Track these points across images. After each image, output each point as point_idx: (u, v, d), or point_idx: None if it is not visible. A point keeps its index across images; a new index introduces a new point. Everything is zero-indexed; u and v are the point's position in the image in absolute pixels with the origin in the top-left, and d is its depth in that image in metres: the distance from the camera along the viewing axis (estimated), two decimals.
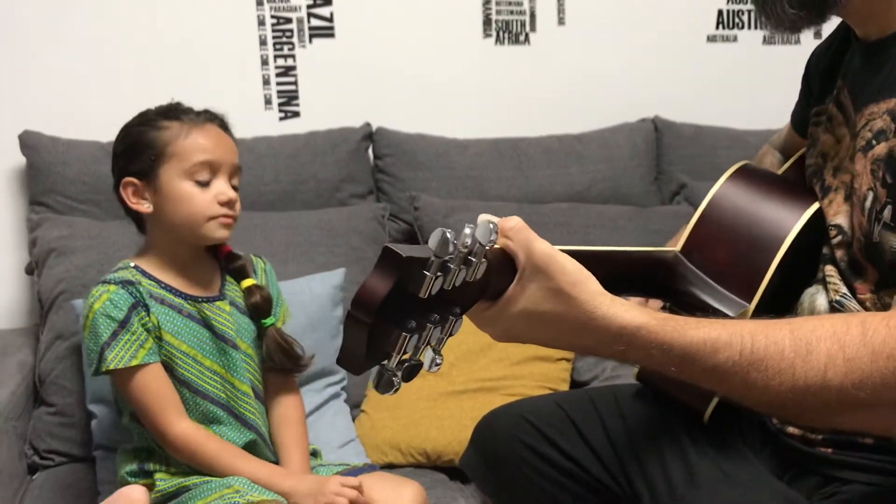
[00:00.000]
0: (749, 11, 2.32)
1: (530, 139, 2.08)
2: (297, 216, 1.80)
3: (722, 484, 0.98)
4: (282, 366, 1.40)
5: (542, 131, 2.12)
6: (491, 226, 0.68)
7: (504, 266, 0.76)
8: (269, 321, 1.41)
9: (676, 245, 1.05)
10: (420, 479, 1.39)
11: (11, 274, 1.85)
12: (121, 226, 1.69)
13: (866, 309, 0.91)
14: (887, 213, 0.86)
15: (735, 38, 2.33)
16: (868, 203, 0.89)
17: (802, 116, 1.17)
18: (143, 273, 1.33)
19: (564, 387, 1.69)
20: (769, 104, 2.31)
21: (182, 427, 1.28)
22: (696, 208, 2.14)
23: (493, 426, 1.17)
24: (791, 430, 0.97)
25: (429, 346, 0.69)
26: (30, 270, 1.73)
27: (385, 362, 0.66)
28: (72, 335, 1.59)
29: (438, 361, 0.69)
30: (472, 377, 1.64)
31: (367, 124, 2.01)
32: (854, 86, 0.99)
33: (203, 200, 1.30)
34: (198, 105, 1.71)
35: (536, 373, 1.66)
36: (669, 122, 2.20)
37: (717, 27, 2.31)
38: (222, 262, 1.41)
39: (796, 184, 1.09)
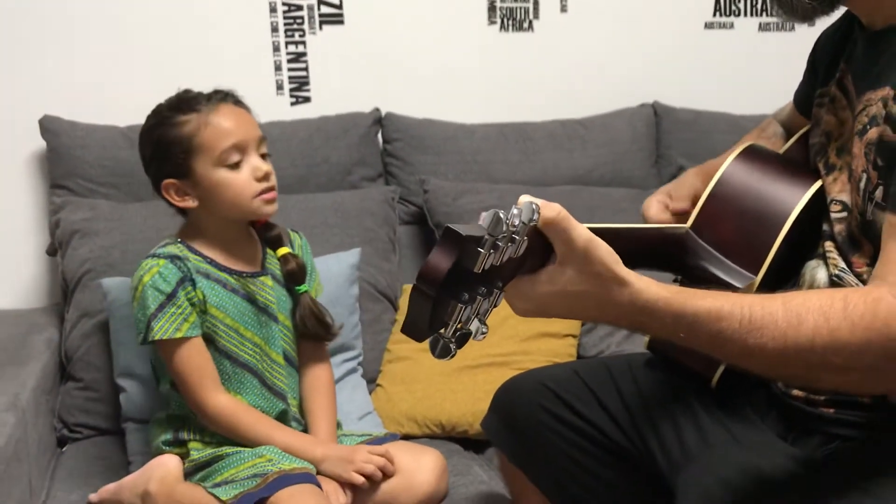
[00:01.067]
0: None
1: (535, 124, 2.14)
2: (312, 199, 1.85)
3: (732, 445, 1.05)
4: (315, 332, 1.47)
5: (545, 116, 2.18)
6: (534, 206, 0.74)
7: (538, 244, 0.82)
8: (303, 288, 1.47)
9: (687, 222, 1.12)
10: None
11: (33, 255, 1.90)
12: (143, 207, 1.76)
13: (863, 281, 0.98)
14: (879, 193, 0.93)
15: (732, 26, 2.40)
16: (863, 184, 0.95)
17: (806, 97, 1.22)
18: (190, 249, 1.39)
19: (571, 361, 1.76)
20: (764, 89, 2.37)
21: (219, 400, 1.35)
22: None
23: (514, 392, 1.24)
24: (795, 392, 1.04)
25: (476, 317, 0.75)
26: (52, 252, 1.78)
27: (442, 331, 0.73)
28: (98, 313, 1.65)
29: (484, 331, 0.76)
30: (484, 353, 1.71)
31: (377, 109, 2.06)
32: (856, 72, 1.05)
33: (241, 181, 1.35)
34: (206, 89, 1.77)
35: (544, 348, 1.73)
36: (668, 108, 2.26)
37: (715, 14, 2.37)
38: (260, 232, 1.47)
39: (799, 163, 1.16)
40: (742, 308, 0.83)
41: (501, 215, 0.70)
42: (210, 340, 1.38)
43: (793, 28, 2.44)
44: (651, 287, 0.83)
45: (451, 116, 2.11)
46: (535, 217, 0.74)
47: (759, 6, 2.41)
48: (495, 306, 0.77)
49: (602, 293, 0.81)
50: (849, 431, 0.98)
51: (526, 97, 2.21)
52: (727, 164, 1.13)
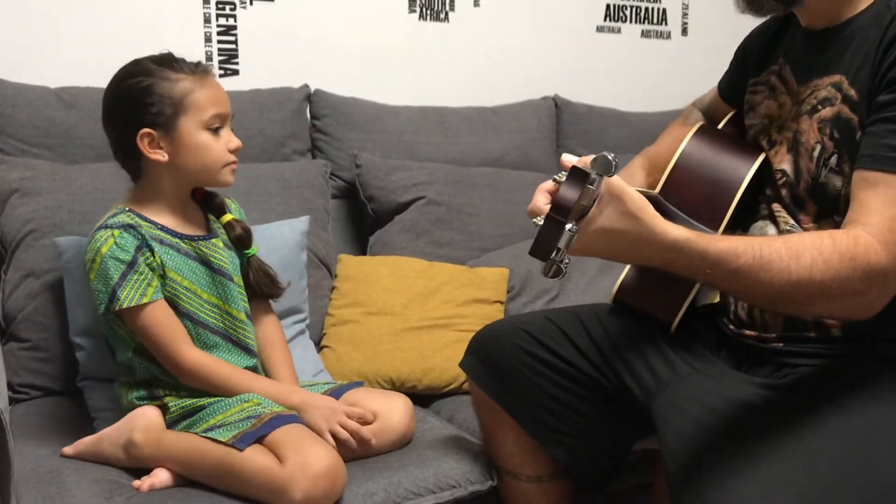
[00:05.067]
0: (631, 7, 2.65)
1: (452, 109, 2.28)
2: (254, 168, 1.89)
3: (696, 375, 1.23)
4: (266, 291, 1.54)
5: (461, 102, 2.32)
6: (615, 162, 0.88)
7: None
8: (252, 251, 1.54)
9: (655, 189, 1.30)
10: None
11: None
12: (84, 169, 1.73)
13: None
14: (833, 160, 1.14)
15: (619, 31, 2.65)
16: (816, 153, 1.16)
17: (735, 88, 1.42)
18: (140, 216, 1.42)
19: None
20: (645, 90, 2.67)
21: (194, 354, 1.39)
22: None
23: (493, 336, 1.37)
24: (748, 332, 1.24)
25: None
26: None
27: (553, 255, 0.87)
28: (45, 273, 1.61)
29: (567, 260, 0.89)
30: (425, 316, 1.82)
31: (306, 86, 2.12)
32: (796, 64, 1.26)
33: (218, 148, 1.42)
34: (136, 55, 1.74)
35: (478, 312, 1.87)
36: (567, 101, 2.47)
37: (605, 19, 2.62)
38: (202, 201, 1.52)
39: (743, 140, 1.37)
40: (753, 247, 1.01)
41: (610, 158, 0.84)
42: (171, 304, 1.41)
43: (669, 37, 2.73)
44: (678, 229, 0.99)
45: (374, 96, 2.22)
46: (614, 170, 0.88)
47: (641, 15, 2.67)
48: (573, 241, 0.91)
49: (635, 231, 0.96)
50: (796, 360, 1.19)
51: (443, 83, 2.35)
52: (686, 140, 1.32)
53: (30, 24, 1.88)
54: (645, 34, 2.70)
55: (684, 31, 2.76)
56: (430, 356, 1.75)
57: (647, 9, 2.68)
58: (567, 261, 0.89)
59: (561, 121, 2.45)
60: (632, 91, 2.63)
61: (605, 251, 0.98)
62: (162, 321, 1.38)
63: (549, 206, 0.86)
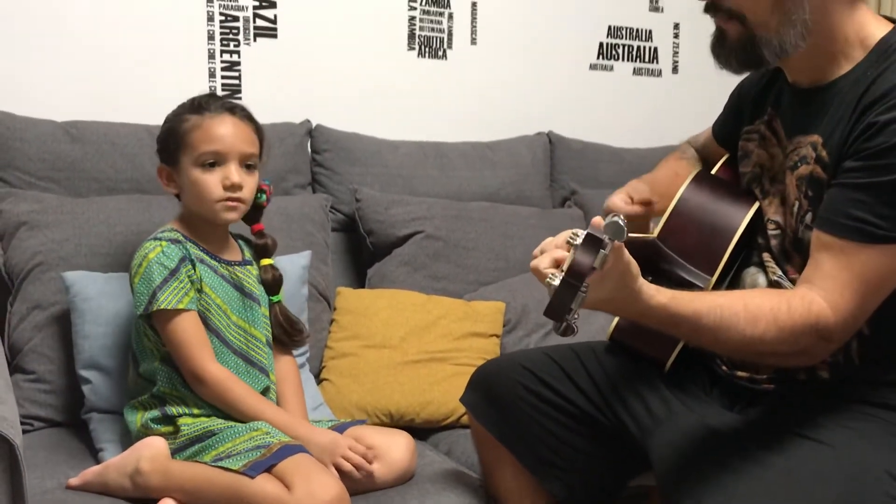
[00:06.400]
0: (623, 45, 2.71)
1: (449, 144, 2.33)
2: None
3: (691, 413, 1.28)
4: (288, 336, 1.62)
5: (458, 137, 2.38)
6: (626, 227, 0.94)
7: None
8: (276, 298, 1.61)
9: (654, 233, 1.35)
10: None
11: None
12: (90, 203, 1.77)
13: (795, 286, 1.24)
14: (808, 217, 1.19)
15: (612, 68, 2.71)
16: (795, 209, 1.22)
17: (729, 132, 1.47)
18: (185, 236, 1.51)
19: None
20: (637, 126, 2.73)
21: (215, 369, 1.45)
22: (585, 212, 2.48)
23: (494, 372, 1.41)
24: (740, 373, 1.29)
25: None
26: None
27: (567, 315, 0.92)
28: (52, 305, 1.64)
29: (577, 317, 0.95)
30: (422, 349, 1.86)
31: (308, 121, 2.17)
32: (785, 118, 1.31)
33: (209, 184, 1.49)
34: (144, 92, 1.89)
35: (475, 346, 1.91)
36: (561, 137, 2.52)
37: (598, 57, 2.68)
38: (252, 236, 1.62)
39: (738, 187, 1.41)
40: (714, 310, 1.10)
41: (620, 221, 0.89)
42: (202, 318, 1.48)
43: (660, 74, 2.80)
44: (660, 293, 1.07)
45: (374, 131, 2.26)
46: (625, 237, 0.94)
47: (633, 53, 2.74)
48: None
49: (627, 297, 1.04)
50: (787, 402, 1.23)
51: (441, 118, 2.41)
52: (684, 187, 1.37)
53: (37, 58, 1.93)
54: (637, 72, 2.76)
55: (675, 69, 2.83)
56: (428, 390, 1.78)
57: (638, 47, 2.75)
58: (577, 317, 0.94)
59: (555, 156, 2.50)
60: (624, 127, 2.69)
61: (603, 308, 1.06)
62: (191, 331, 1.45)
63: (566, 270, 0.90)
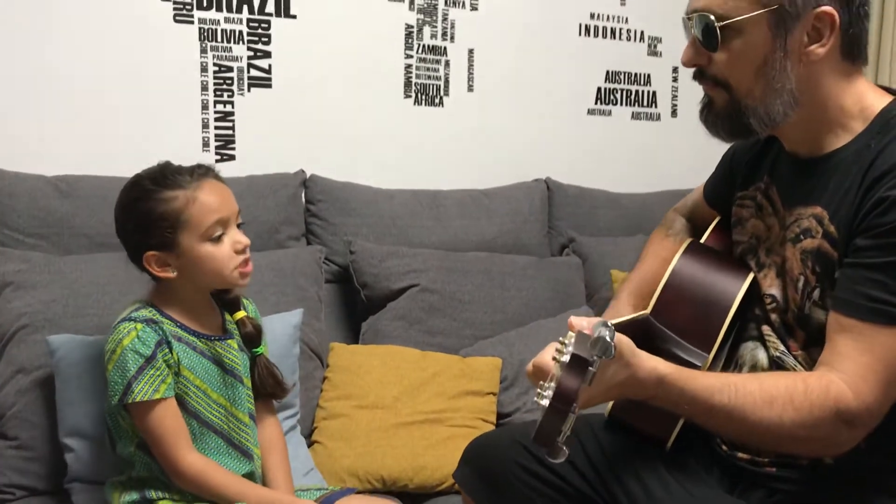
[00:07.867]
0: (622, 90, 2.69)
1: (445, 192, 2.31)
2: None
3: (690, 498, 1.23)
4: (272, 392, 1.55)
5: (454, 184, 2.35)
6: (613, 343, 0.91)
7: None
8: (259, 350, 1.55)
9: (647, 310, 1.31)
10: None
11: None
12: (79, 261, 1.74)
13: (800, 362, 1.20)
14: (816, 294, 1.16)
15: (610, 113, 2.69)
16: (801, 284, 1.18)
17: (721, 196, 1.44)
18: (161, 313, 1.43)
19: (493, 417, 1.90)
20: (635, 170, 2.70)
21: (193, 458, 1.38)
22: (584, 260, 2.44)
23: (489, 447, 1.37)
24: (741, 455, 1.25)
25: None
26: None
27: (557, 438, 0.89)
28: (36, 369, 1.60)
29: (568, 434, 0.91)
30: (416, 410, 1.82)
31: (302, 171, 2.14)
32: (782, 187, 1.27)
33: (223, 255, 1.42)
34: (135, 143, 1.84)
35: (470, 405, 1.87)
36: (559, 184, 2.50)
37: (596, 102, 2.66)
38: (218, 296, 1.53)
39: (731, 258, 1.38)
40: (729, 388, 1.06)
41: (608, 338, 0.86)
42: (180, 401, 1.41)
43: (659, 118, 2.78)
44: (660, 366, 1.03)
45: (369, 180, 2.24)
46: (613, 353, 0.91)
47: (632, 97, 2.72)
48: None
49: (627, 380, 1.02)
50: (789, 487, 1.19)
51: (437, 166, 2.38)
52: (676, 259, 1.33)
53: (27, 114, 1.90)
54: (635, 116, 2.74)
55: (674, 113, 2.81)
56: (422, 454, 1.74)
57: (637, 91, 2.73)
58: (569, 433, 0.90)
59: (553, 203, 2.47)
60: (622, 172, 2.67)
61: (603, 397, 1.04)
62: (167, 421, 1.38)
63: (552, 395, 0.87)
